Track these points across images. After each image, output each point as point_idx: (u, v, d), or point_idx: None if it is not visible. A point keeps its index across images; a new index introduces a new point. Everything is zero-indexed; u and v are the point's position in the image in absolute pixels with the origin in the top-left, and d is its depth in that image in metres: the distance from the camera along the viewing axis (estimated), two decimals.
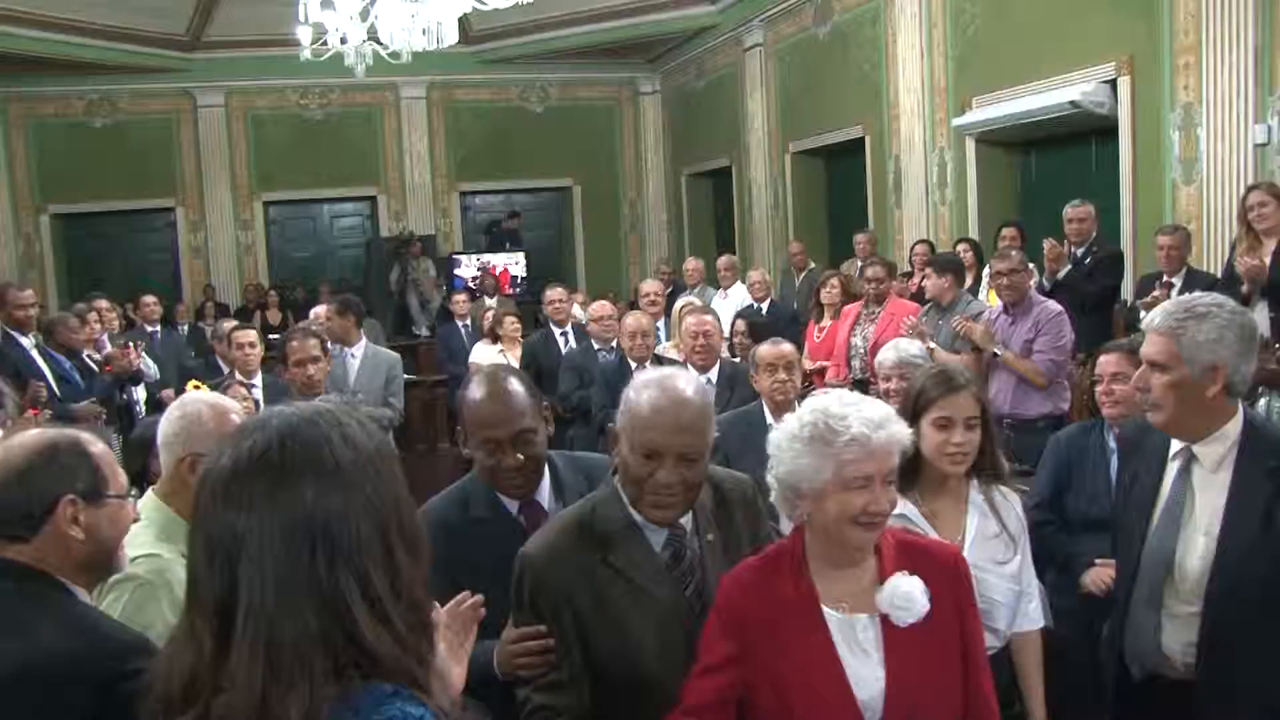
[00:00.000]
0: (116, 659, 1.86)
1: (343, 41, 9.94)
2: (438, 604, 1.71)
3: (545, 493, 2.78)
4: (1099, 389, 3.92)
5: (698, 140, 15.97)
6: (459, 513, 2.72)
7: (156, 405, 7.13)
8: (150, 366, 8.00)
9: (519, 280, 15.20)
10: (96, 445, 2.12)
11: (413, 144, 16.52)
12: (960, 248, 8.25)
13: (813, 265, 10.28)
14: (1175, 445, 2.75)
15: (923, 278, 7.54)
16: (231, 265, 16.21)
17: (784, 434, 2.17)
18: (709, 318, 5.74)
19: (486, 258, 15.44)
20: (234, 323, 7.33)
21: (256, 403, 4.94)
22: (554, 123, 16.95)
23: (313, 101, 16.26)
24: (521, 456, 2.64)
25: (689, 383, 2.39)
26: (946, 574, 2.23)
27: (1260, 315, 5.51)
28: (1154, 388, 2.64)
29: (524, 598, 2.36)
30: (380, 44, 9.86)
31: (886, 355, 4.65)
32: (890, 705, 2.11)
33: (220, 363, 6.97)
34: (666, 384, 2.36)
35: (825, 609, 2.17)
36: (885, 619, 2.15)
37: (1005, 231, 8.05)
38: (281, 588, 1.30)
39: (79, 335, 7.33)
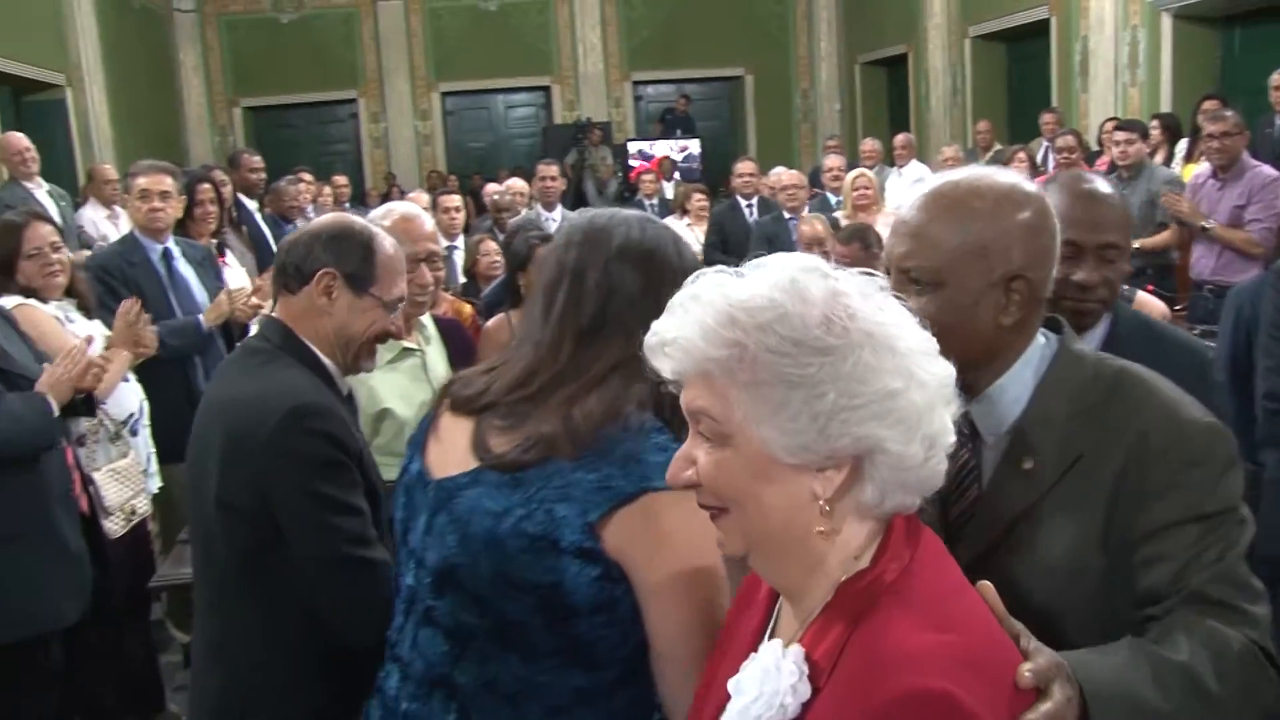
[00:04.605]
0: (317, 416, 2.06)
1: None
2: None
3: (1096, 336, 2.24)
4: None
5: (872, 27, 15.68)
6: None
7: None
8: None
9: (694, 169, 15.28)
10: (387, 249, 2.26)
11: (585, 33, 16.69)
12: (1152, 124, 8.06)
13: (998, 146, 10.14)
14: None
15: (1113, 154, 7.42)
16: (411, 155, 16.78)
17: None
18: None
19: (660, 144, 15.55)
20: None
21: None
22: (726, 12, 16.82)
23: None
24: (1097, 277, 2.14)
25: None
26: None
27: None
28: None
29: None
30: None
31: None
32: None
33: None
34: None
35: None
36: None
37: (1206, 104, 7.79)
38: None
39: (295, 203, 7.82)
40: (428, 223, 2.93)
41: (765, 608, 1.35)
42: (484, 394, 1.69)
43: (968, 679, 1.07)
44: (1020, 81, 12.88)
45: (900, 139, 9.95)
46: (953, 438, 1.20)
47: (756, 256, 2.00)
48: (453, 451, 1.70)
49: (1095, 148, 8.88)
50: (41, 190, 7.47)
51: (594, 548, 1.55)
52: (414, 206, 3.03)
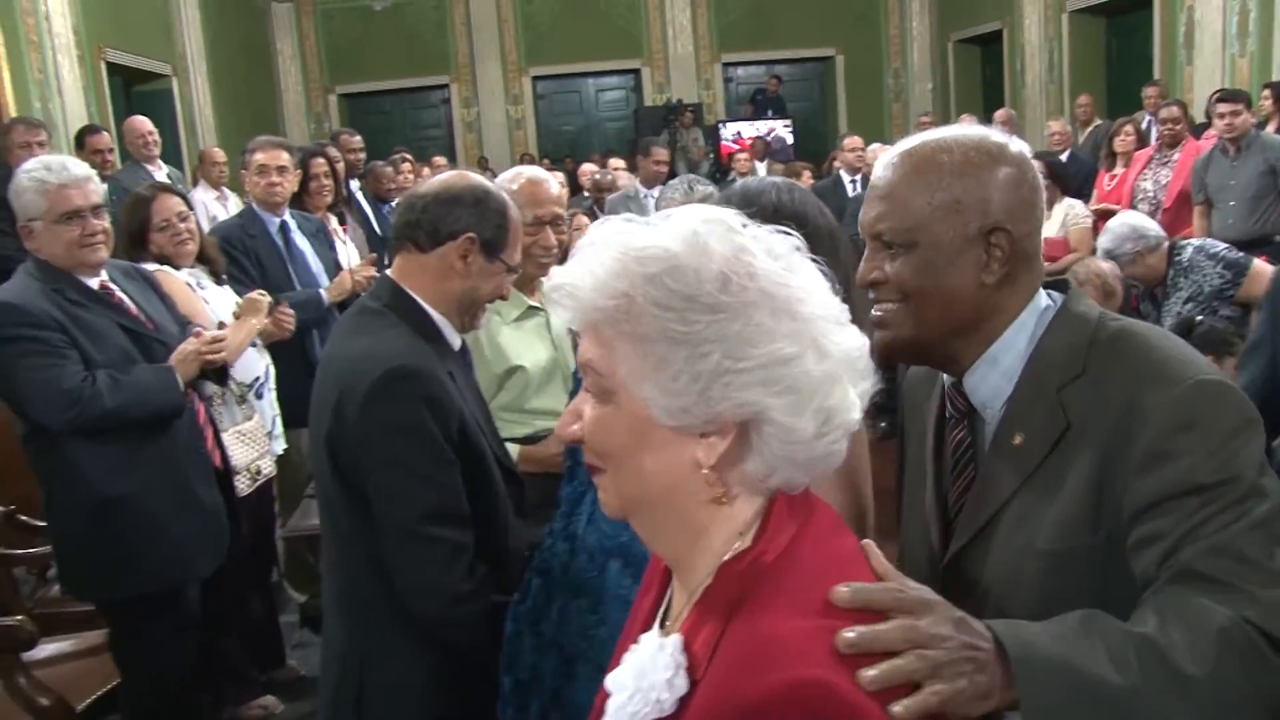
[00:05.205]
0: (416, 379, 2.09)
1: None
2: None
3: None
4: None
5: (965, 4, 15.49)
6: None
7: None
8: None
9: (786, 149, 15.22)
10: (515, 216, 2.30)
11: (675, 15, 16.72)
12: (1264, 94, 7.87)
13: (1098, 121, 9.96)
14: None
15: (1218, 126, 7.27)
16: (503, 139, 16.98)
17: None
18: None
19: (753, 124, 15.53)
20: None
21: None
22: None
23: None
24: None
25: None
26: None
27: None
28: None
29: None
30: None
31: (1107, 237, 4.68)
32: None
33: None
34: None
35: None
36: None
37: None
38: None
39: (393, 184, 7.95)
40: (554, 186, 3.01)
41: (659, 590, 1.23)
42: None
43: (848, 663, 0.99)
44: (1119, 55, 12.63)
45: (1000, 114, 9.84)
46: (857, 415, 1.09)
47: (849, 232, 1.96)
48: None
49: (1202, 119, 8.69)
50: (161, 173, 7.71)
51: None
52: (540, 170, 3.11)
